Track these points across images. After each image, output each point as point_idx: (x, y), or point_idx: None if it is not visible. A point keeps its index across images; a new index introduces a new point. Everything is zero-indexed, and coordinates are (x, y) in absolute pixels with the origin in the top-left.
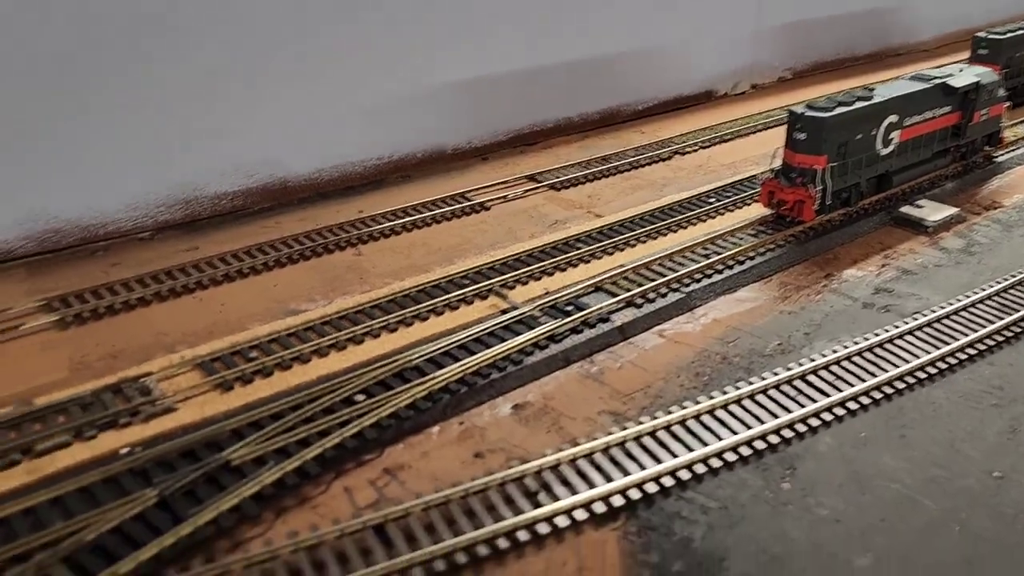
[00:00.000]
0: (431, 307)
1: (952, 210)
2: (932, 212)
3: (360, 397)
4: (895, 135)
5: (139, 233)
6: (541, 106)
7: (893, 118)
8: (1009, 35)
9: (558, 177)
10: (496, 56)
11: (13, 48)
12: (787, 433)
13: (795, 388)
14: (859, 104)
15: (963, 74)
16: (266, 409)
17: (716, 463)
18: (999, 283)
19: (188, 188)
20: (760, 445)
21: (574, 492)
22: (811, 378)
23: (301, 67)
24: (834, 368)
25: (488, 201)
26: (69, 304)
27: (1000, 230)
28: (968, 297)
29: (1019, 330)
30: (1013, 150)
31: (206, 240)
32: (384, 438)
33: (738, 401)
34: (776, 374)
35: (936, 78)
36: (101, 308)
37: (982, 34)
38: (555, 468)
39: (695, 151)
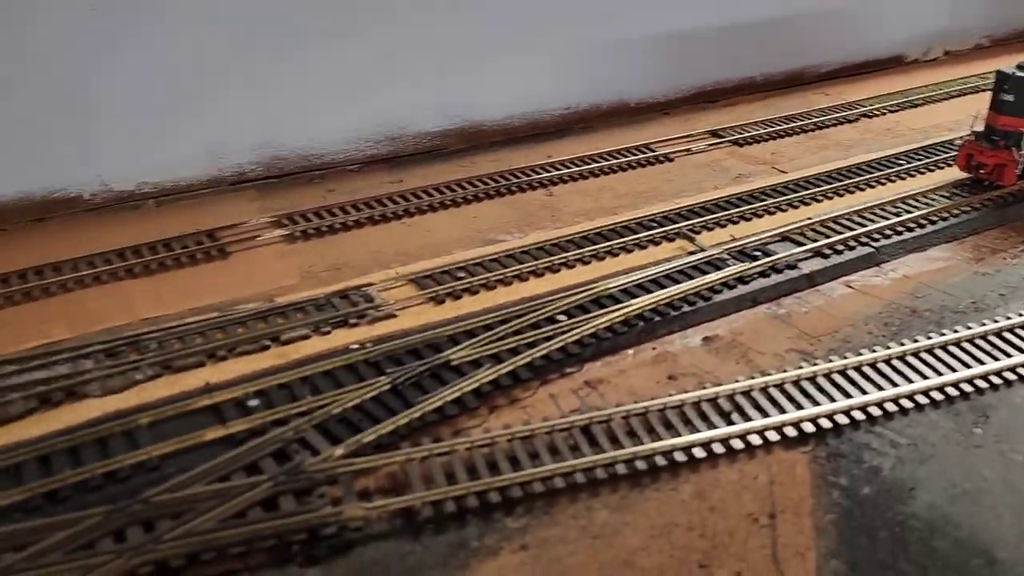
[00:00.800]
0: (621, 245)
1: None
2: None
3: (562, 317)
4: None
5: (349, 165)
6: (725, 64)
7: None
8: None
9: (741, 134)
10: (684, 12)
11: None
12: (981, 383)
13: (989, 343)
14: None
15: None
16: (477, 321)
17: (906, 404)
18: None
19: (394, 127)
20: (952, 392)
21: (766, 416)
22: (1007, 335)
23: (499, 15)
24: None
25: (671, 153)
26: (296, 221)
27: None
28: None
29: None
30: None
31: (409, 174)
32: (584, 355)
33: (929, 350)
34: (969, 328)
35: None
36: (323, 227)
37: None
38: (747, 393)
39: (883, 115)
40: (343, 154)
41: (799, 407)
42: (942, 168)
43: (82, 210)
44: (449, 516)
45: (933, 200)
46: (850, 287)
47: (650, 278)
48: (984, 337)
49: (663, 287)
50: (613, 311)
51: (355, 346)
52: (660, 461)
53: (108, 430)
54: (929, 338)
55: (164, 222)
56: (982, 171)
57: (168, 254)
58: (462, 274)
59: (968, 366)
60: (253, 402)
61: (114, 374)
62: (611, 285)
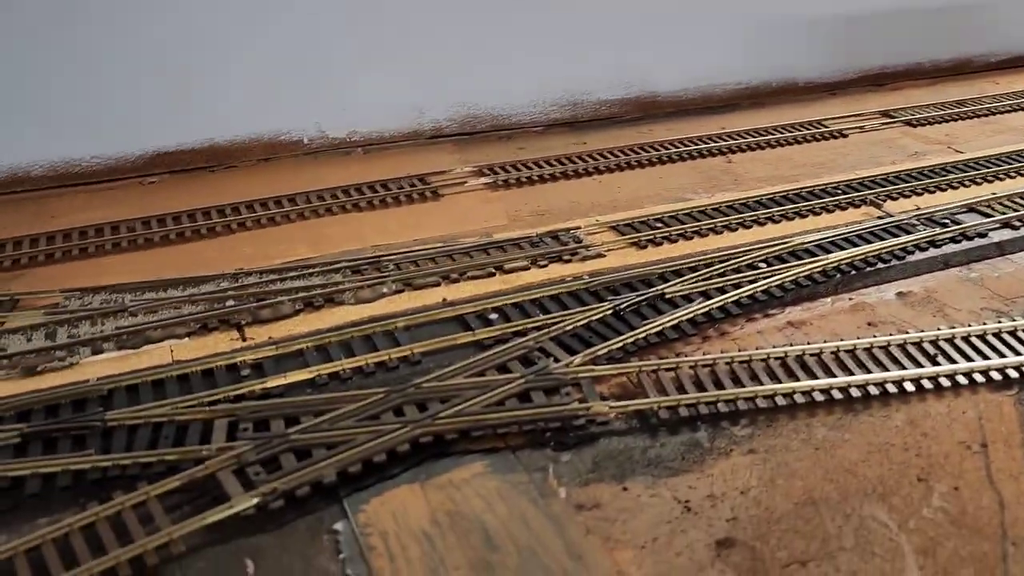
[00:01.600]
0: (809, 207)
1: None
2: None
3: (761, 265)
4: None
5: (534, 127)
6: (892, 48)
7: None
8: None
9: (913, 115)
10: None
11: None
12: None
13: None
14: None
15: None
16: (682, 263)
17: None
18: None
19: (578, 92)
20: None
21: (969, 360)
22: None
23: None
24: None
25: (845, 130)
26: (495, 172)
27: None
28: None
29: None
30: None
31: (591, 137)
32: (786, 299)
33: None
34: None
35: None
36: (521, 178)
37: None
38: (950, 340)
39: None
40: (528, 116)
41: (1001, 356)
42: None
43: (301, 153)
44: (681, 420)
45: None
46: None
47: (842, 236)
48: None
49: (856, 245)
50: (809, 263)
51: (570, 278)
52: (873, 391)
53: (371, 329)
54: None
55: (375, 167)
56: None
57: (387, 192)
58: (659, 224)
59: None
60: (492, 316)
61: (363, 287)
62: (805, 240)
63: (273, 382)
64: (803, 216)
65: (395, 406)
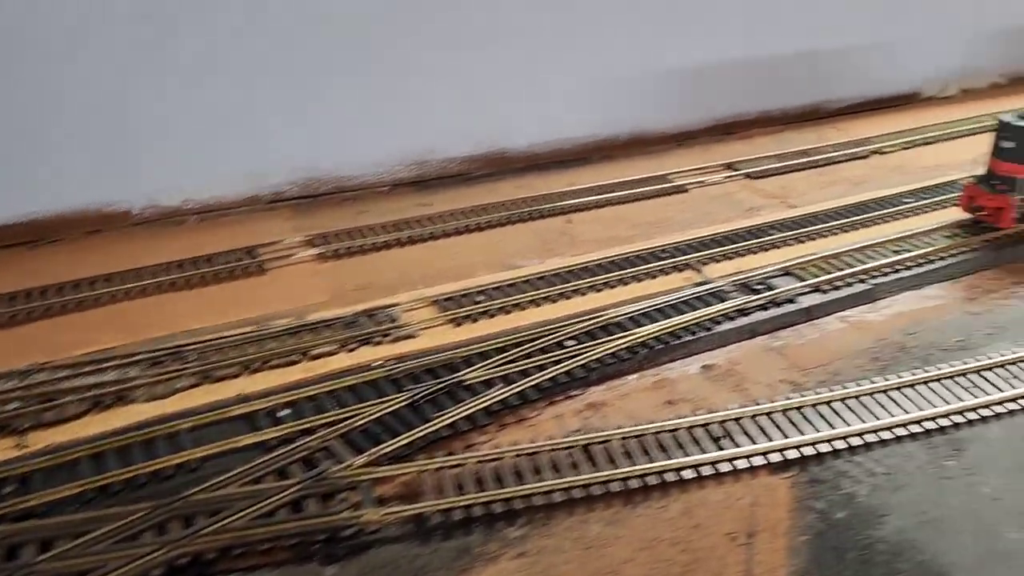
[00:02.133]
0: (633, 274)
1: None
2: None
3: (570, 342)
4: None
5: (379, 187)
6: (743, 97)
7: None
8: None
9: (755, 167)
10: (703, 46)
11: (291, 32)
12: (958, 419)
13: (970, 380)
14: None
15: None
16: (491, 343)
17: (886, 435)
18: None
19: (424, 151)
20: (930, 425)
21: (753, 442)
22: (987, 373)
23: (523, 48)
24: (1011, 367)
25: (687, 184)
26: (328, 241)
27: None
28: None
29: None
30: None
31: (436, 197)
32: (589, 379)
33: (912, 385)
34: (952, 366)
35: None
36: (354, 247)
37: None
38: (737, 420)
39: (895, 151)
40: (374, 176)
41: (785, 435)
42: (946, 208)
43: (131, 224)
44: (456, 523)
45: (933, 240)
46: (845, 322)
47: (656, 307)
48: (965, 375)
49: (668, 316)
50: (618, 338)
51: (378, 363)
52: (652, 480)
53: (153, 433)
54: (914, 374)
55: (206, 238)
56: (982, 213)
57: (209, 269)
58: (481, 298)
59: (947, 402)
60: (283, 412)
61: (158, 382)
62: (618, 313)
63: (38, 499)
64: (626, 283)
65: (159, 523)
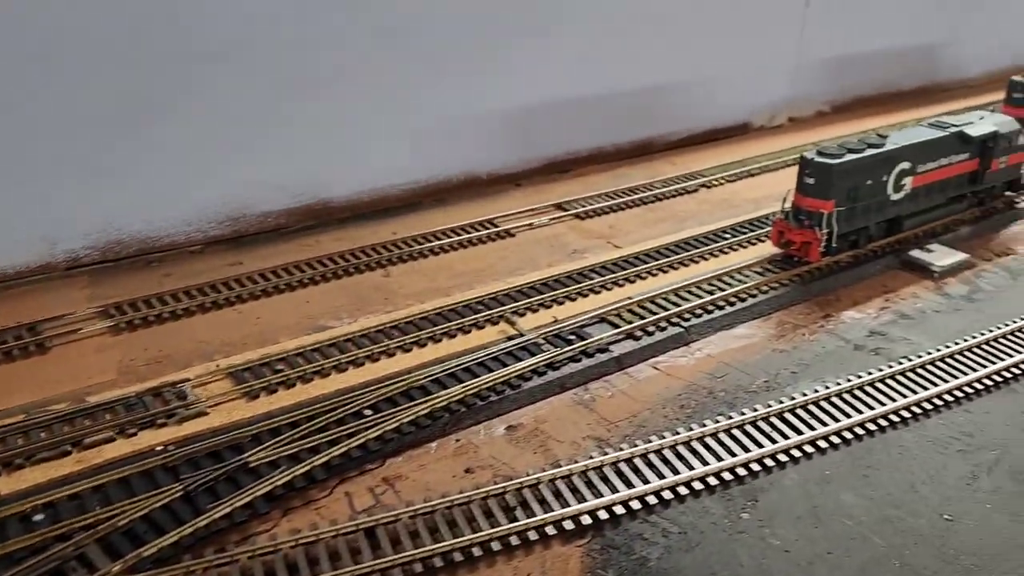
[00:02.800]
0: (445, 330)
1: (961, 256)
2: (941, 257)
3: (368, 412)
4: (907, 181)
5: (191, 246)
6: (576, 135)
7: (905, 165)
8: None
9: (584, 206)
10: (533, 86)
11: (86, 82)
12: (755, 467)
13: (769, 424)
14: (869, 151)
15: (983, 122)
16: (285, 417)
17: (683, 491)
18: (991, 331)
19: (237, 206)
20: (727, 476)
21: (548, 509)
22: (787, 415)
23: (342, 95)
24: (811, 407)
25: (514, 228)
26: (123, 312)
27: (1007, 278)
28: (957, 344)
29: (1000, 379)
30: None
31: (250, 255)
32: (386, 450)
33: (714, 434)
34: (755, 410)
35: (953, 126)
36: (151, 316)
37: (1018, 78)
38: (534, 487)
39: (721, 185)
40: (184, 235)
41: (582, 499)
42: (763, 241)
43: None
44: None
45: (745, 277)
46: (656, 368)
47: (463, 366)
48: (767, 418)
49: (475, 375)
50: (419, 404)
51: (159, 447)
52: (437, 563)
53: None
54: (716, 421)
55: None
56: (791, 248)
57: None
58: (281, 366)
59: (747, 449)
60: (39, 516)
61: None
62: (422, 376)
63: None
64: (437, 340)
65: None
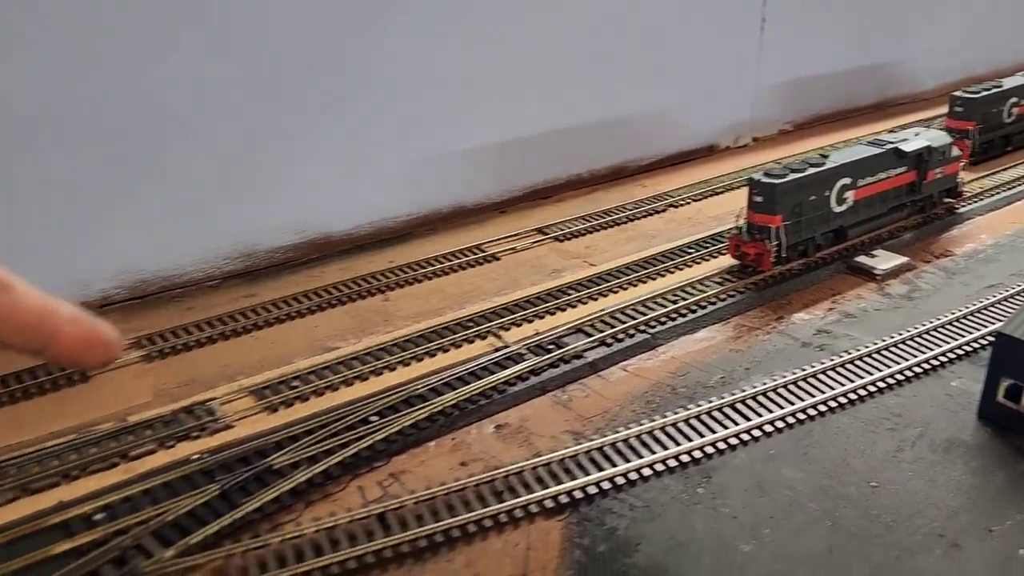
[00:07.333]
0: (439, 345)
1: (902, 259)
2: (883, 261)
3: (374, 418)
4: (849, 194)
5: (208, 281)
6: (554, 164)
7: (846, 180)
8: (983, 94)
9: (562, 230)
10: (514, 122)
11: (109, 146)
12: (709, 450)
13: (723, 413)
14: (810, 171)
15: (917, 138)
16: (302, 426)
17: (647, 472)
18: (924, 325)
19: (248, 244)
20: (685, 459)
21: (532, 492)
22: (738, 405)
23: (338, 137)
24: (760, 398)
25: (499, 252)
26: (154, 342)
27: (944, 277)
28: (892, 338)
29: (928, 367)
30: (975, 202)
31: (262, 287)
32: (391, 450)
33: (674, 424)
34: (711, 402)
35: (889, 143)
36: (179, 345)
37: (958, 93)
38: (519, 474)
39: (688, 204)
40: (201, 272)
41: (560, 482)
42: (724, 255)
43: None
44: None
45: (707, 286)
46: (626, 371)
47: (456, 375)
48: (721, 408)
49: (466, 383)
50: (418, 409)
51: (196, 456)
52: (439, 539)
53: None
54: (677, 413)
55: None
56: (746, 259)
57: (32, 382)
58: (296, 383)
59: (702, 435)
60: (99, 516)
61: None
62: (421, 385)
63: None
64: (432, 355)
65: None
